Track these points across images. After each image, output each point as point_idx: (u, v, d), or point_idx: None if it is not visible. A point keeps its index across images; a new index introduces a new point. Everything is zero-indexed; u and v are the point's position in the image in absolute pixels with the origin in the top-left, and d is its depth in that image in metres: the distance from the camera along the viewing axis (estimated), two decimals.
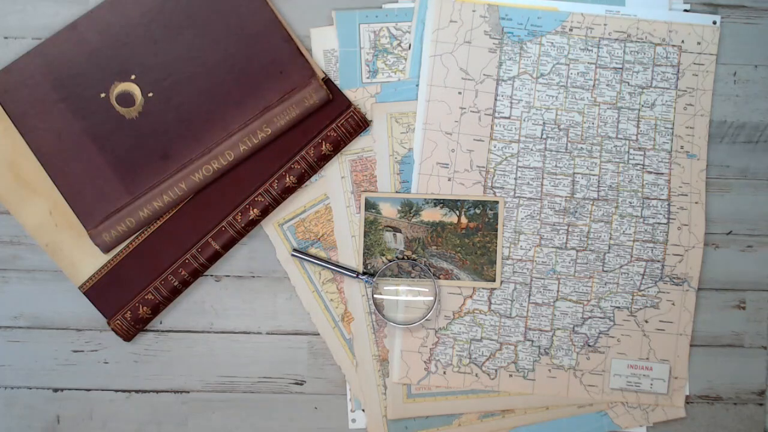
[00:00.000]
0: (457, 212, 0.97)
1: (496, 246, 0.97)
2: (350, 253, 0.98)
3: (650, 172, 0.98)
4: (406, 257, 0.98)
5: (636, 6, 0.98)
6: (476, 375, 0.98)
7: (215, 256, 0.97)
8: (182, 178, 0.95)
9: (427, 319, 0.97)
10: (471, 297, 0.98)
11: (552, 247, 0.98)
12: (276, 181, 0.96)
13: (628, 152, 0.98)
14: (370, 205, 0.98)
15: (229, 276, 0.99)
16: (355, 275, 0.97)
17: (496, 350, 0.98)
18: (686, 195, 0.98)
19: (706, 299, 0.99)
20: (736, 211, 1.00)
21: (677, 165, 0.98)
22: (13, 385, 0.99)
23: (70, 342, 0.99)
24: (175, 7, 0.96)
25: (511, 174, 0.98)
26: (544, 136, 0.98)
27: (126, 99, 0.96)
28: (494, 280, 0.97)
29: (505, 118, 0.98)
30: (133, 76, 0.96)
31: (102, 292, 0.97)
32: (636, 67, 0.98)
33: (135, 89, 0.96)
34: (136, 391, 0.99)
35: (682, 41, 0.98)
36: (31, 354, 0.99)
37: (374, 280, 0.97)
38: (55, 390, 0.99)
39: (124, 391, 0.99)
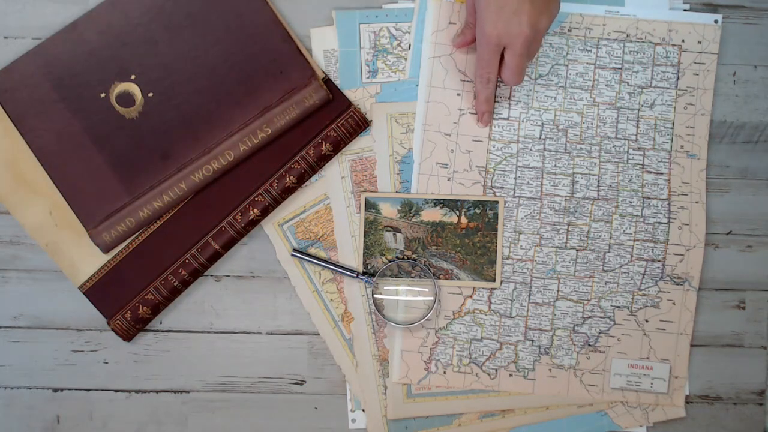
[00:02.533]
0: (457, 212, 0.97)
1: (496, 246, 0.97)
2: (350, 253, 0.98)
3: (650, 172, 0.98)
4: (406, 257, 0.98)
5: (635, 6, 0.98)
6: (476, 375, 0.98)
7: (215, 256, 0.97)
8: (182, 178, 0.95)
9: (427, 319, 0.97)
10: (471, 297, 0.98)
11: (552, 247, 0.98)
12: (276, 181, 0.96)
13: (628, 152, 0.98)
14: (370, 205, 0.98)
15: (229, 276, 0.99)
16: (355, 275, 0.97)
17: (496, 350, 0.98)
18: (686, 195, 0.98)
19: (706, 299, 0.99)
20: (736, 211, 1.00)
21: (677, 165, 0.98)
22: (13, 385, 0.99)
23: (70, 342, 0.99)
24: (175, 7, 0.96)
25: (510, 174, 0.98)
26: (543, 136, 0.98)
27: (126, 99, 0.96)
28: (494, 280, 0.97)
29: (504, 119, 0.98)
30: (133, 76, 0.96)
31: (102, 292, 0.97)
32: (635, 66, 0.98)
33: (135, 89, 0.96)
34: (136, 391, 0.99)
35: (683, 40, 0.98)
36: (31, 354, 0.99)
37: (374, 280, 0.97)
38: (55, 390, 0.99)
39: (124, 391, 0.99)
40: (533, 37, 0.88)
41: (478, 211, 0.97)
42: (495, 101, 0.97)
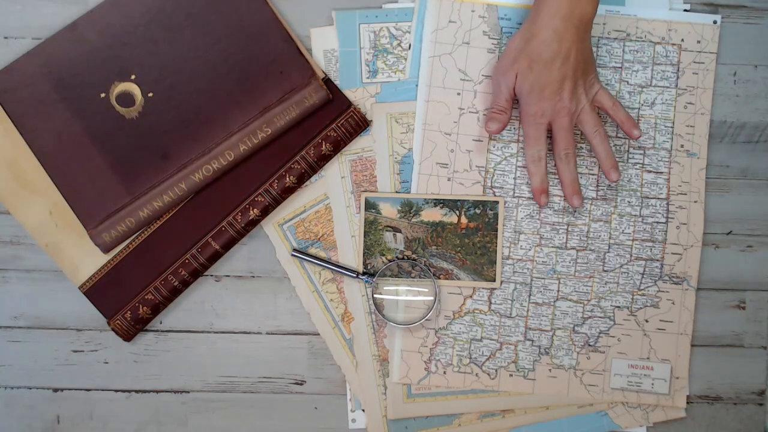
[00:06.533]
0: (457, 212, 0.97)
1: (496, 246, 0.97)
2: (350, 253, 0.98)
3: (650, 171, 0.98)
4: (406, 257, 0.98)
5: (636, 6, 0.98)
6: (476, 375, 0.98)
7: (215, 256, 0.97)
8: (182, 178, 0.95)
9: (427, 319, 0.97)
10: (471, 297, 0.98)
11: (552, 247, 0.98)
12: (276, 181, 0.96)
13: (628, 151, 0.98)
14: (370, 205, 0.98)
15: (229, 276, 0.99)
16: (355, 275, 0.97)
17: (497, 350, 0.98)
18: (685, 194, 0.98)
19: (706, 299, 0.99)
20: (736, 211, 1.00)
21: (677, 164, 0.98)
22: (13, 385, 0.99)
23: (70, 342, 0.99)
24: (175, 7, 0.96)
25: (510, 174, 0.98)
26: None
27: (126, 99, 0.96)
28: (494, 280, 0.97)
29: None
30: (133, 76, 0.96)
31: (102, 292, 0.97)
32: (635, 66, 0.98)
33: (135, 89, 0.96)
34: (136, 391, 0.99)
35: (682, 40, 0.98)
36: (31, 354, 0.99)
37: (374, 280, 0.97)
38: (55, 390, 0.99)
39: (124, 391, 0.99)
40: (575, 108, 0.92)
41: (478, 211, 0.97)
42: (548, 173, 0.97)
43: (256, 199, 0.96)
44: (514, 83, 0.92)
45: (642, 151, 0.98)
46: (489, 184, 0.98)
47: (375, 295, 0.97)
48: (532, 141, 0.93)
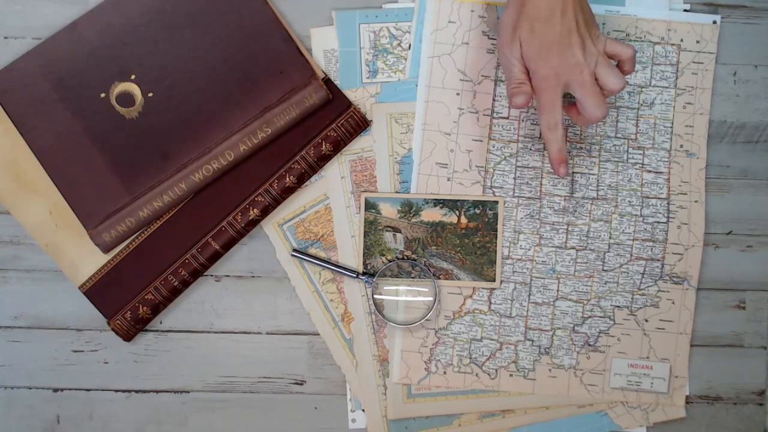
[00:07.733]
0: (457, 212, 0.97)
1: (495, 246, 0.97)
2: (350, 253, 0.98)
3: (649, 171, 0.98)
4: (406, 257, 0.98)
5: (636, 6, 0.98)
6: (476, 375, 0.98)
7: (215, 256, 0.97)
8: (182, 178, 0.95)
9: (427, 319, 0.97)
10: (471, 297, 0.98)
11: (552, 247, 0.98)
12: (276, 181, 0.96)
13: (627, 151, 0.98)
14: (370, 205, 0.98)
15: (229, 276, 0.99)
16: (355, 275, 0.97)
17: (496, 350, 0.98)
18: (686, 194, 0.98)
19: (706, 299, 0.99)
20: (736, 211, 1.00)
21: (676, 164, 0.98)
22: (13, 385, 0.99)
23: (70, 342, 0.99)
24: (175, 7, 0.96)
25: (510, 173, 0.98)
26: None
27: (126, 99, 0.96)
28: (494, 280, 0.97)
29: (504, 118, 0.98)
30: (133, 76, 0.96)
31: (102, 292, 0.97)
32: (635, 66, 0.98)
33: (135, 89, 0.96)
34: (136, 391, 0.99)
35: (681, 40, 0.98)
36: (31, 354, 0.99)
37: (374, 280, 0.97)
38: (55, 390, 0.99)
39: (124, 391, 0.99)
40: (591, 62, 0.86)
41: (477, 211, 0.97)
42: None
43: (256, 199, 0.96)
44: (521, 52, 0.87)
45: (641, 151, 0.98)
46: (489, 184, 0.98)
47: (375, 296, 0.97)
48: (546, 108, 0.87)
